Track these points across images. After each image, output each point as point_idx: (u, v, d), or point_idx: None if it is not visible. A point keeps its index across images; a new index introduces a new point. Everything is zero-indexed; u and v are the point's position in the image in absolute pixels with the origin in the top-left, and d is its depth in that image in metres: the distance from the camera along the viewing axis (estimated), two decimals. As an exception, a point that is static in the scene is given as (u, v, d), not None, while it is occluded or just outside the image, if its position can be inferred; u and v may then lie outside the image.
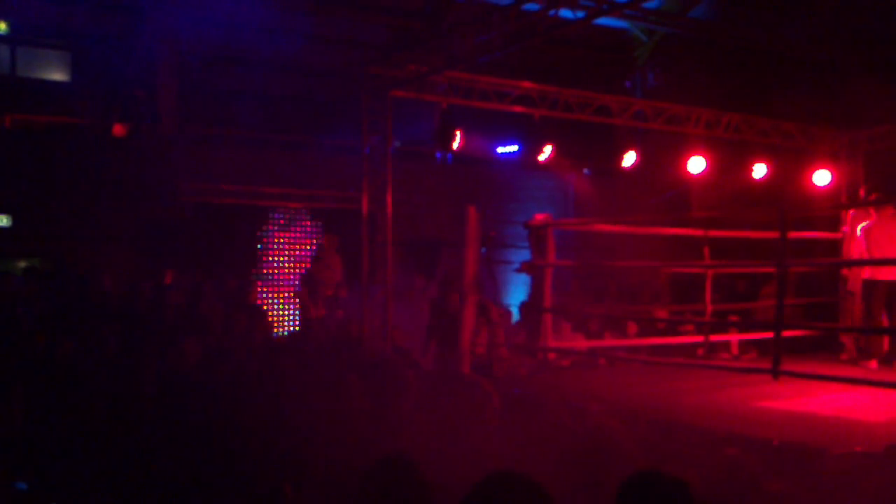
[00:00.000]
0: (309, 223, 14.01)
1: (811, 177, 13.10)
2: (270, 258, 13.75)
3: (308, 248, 13.91)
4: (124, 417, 5.52)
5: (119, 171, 12.30)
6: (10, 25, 13.58)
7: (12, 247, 11.94)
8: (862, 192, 12.38)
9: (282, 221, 13.80)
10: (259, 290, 13.27)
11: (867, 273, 9.97)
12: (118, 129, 12.86)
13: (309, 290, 11.85)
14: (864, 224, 10.27)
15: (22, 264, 11.71)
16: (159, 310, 9.93)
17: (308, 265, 13.02)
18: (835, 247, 11.76)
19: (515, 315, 11.68)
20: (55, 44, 14.50)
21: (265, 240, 13.70)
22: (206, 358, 7.16)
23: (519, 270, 10.36)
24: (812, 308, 11.62)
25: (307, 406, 5.39)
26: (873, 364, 9.83)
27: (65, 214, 12.02)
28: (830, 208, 12.69)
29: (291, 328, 13.52)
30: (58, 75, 14.59)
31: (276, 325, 13.30)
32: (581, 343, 10.81)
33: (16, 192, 11.81)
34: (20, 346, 7.84)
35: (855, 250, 10.67)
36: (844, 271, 11.10)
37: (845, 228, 11.34)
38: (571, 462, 4.13)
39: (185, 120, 13.76)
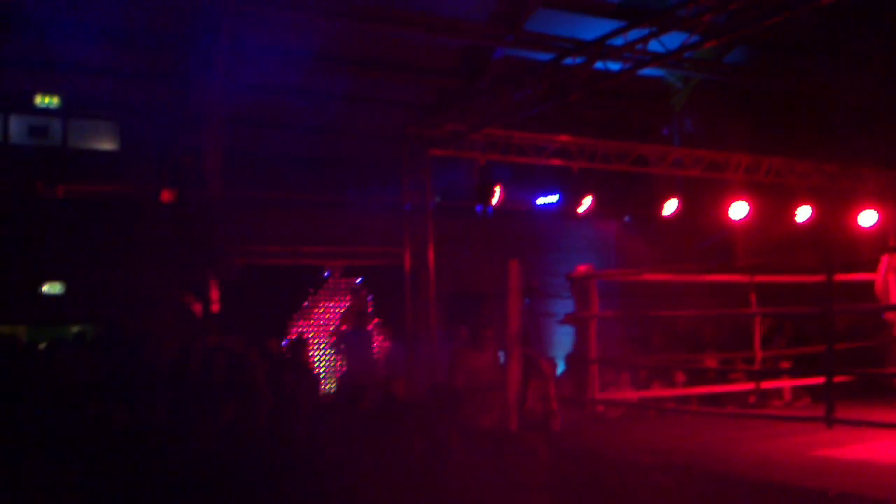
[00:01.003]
0: (352, 281, 14.14)
1: (857, 218, 12.94)
2: (316, 317, 13.86)
3: (353, 305, 14.01)
4: (177, 479, 5.58)
5: (167, 236, 12.56)
6: (62, 99, 14.04)
7: (65, 313, 12.21)
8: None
9: (326, 281, 13.94)
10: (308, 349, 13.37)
11: None
12: (166, 195, 13.15)
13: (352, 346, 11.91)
14: None
15: (76, 330, 11.96)
16: (208, 373, 10.03)
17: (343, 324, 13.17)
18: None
19: (561, 367, 11.60)
20: (104, 115, 14.94)
21: (311, 299, 13.84)
22: (246, 419, 7.22)
23: (562, 322, 10.32)
24: (865, 352, 11.38)
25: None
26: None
27: (115, 280, 12.29)
28: (876, 251, 12.48)
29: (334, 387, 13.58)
30: (107, 145, 15.01)
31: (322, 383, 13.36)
32: (630, 394, 10.69)
33: (68, 259, 12.12)
34: (73, 414, 7.96)
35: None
36: (888, 315, 10.88)
37: (882, 269, 11.04)
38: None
39: (231, 183, 14.04)
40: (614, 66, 8.64)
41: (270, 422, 7.14)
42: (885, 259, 10.85)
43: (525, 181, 14.91)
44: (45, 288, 12.16)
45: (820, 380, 8.91)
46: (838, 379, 8.59)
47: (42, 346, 10.27)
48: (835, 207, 13.20)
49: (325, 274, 13.93)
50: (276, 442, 6.33)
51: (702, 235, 14.68)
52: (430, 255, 10.48)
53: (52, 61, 13.32)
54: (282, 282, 13.48)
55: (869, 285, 11.00)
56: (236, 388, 9.44)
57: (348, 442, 5.75)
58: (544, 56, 9.55)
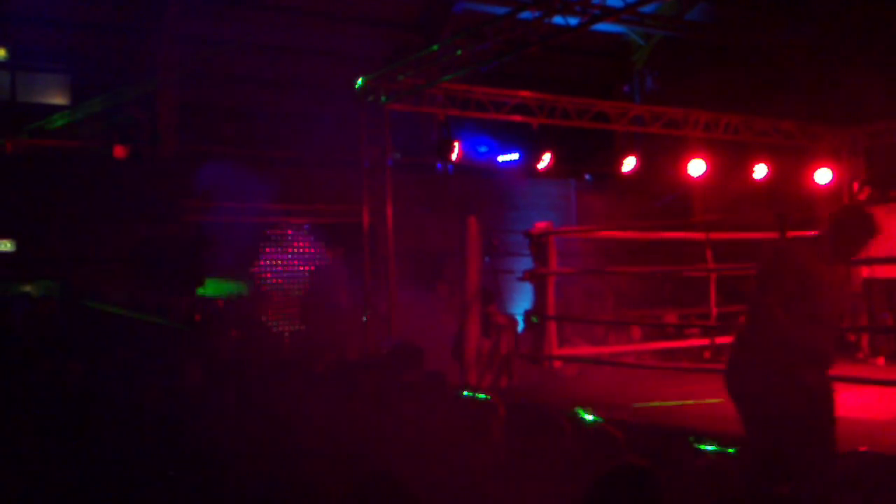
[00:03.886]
0: (310, 239, 14.02)
1: (812, 175, 13.07)
2: (272, 275, 13.74)
3: (309, 264, 13.90)
4: (129, 439, 5.53)
5: (120, 193, 12.33)
6: (10, 51, 13.65)
7: (16, 271, 11.97)
8: (855, 187, 12.30)
9: (283, 238, 13.80)
10: (263, 307, 13.27)
11: (866, 272, 9.94)
12: (119, 151, 12.90)
13: (313, 305, 11.86)
14: None
15: (26, 288, 11.74)
16: (162, 331, 9.95)
17: (311, 280, 13.04)
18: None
19: (520, 324, 11.66)
20: (54, 68, 14.57)
21: (267, 257, 13.70)
22: (209, 379, 7.17)
23: (521, 279, 10.34)
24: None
25: (313, 421, 5.40)
26: (881, 361, 9.82)
27: (67, 237, 12.06)
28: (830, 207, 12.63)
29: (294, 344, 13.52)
30: (58, 99, 14.65)
31: (279, 342, 13.30)
32: (586, 349, 10.78)
33: (18, 216, 11.85)
34: (25, 372, 7.85)
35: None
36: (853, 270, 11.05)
37: None
38: (572, 471, 4.14)
39: (186, 140, 13.80)
40: (574, 21, 8.56)
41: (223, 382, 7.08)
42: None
43: (486, 139, 14.85)
44: (-5, 245, 11.90)
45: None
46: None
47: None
48: (791, 165, 13.32)
49: (290, 233, 13.79)
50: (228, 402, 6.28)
51: (661, 193, 14.76)
52: (389, 211, 10.40)
53: (0, 12, 12.92)
54: (238, 240, 13.33)
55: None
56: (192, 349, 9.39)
57: (298, 400, 5.72)
58: (503, 10, 9.41)
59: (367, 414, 5.39)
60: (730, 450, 5.80)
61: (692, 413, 7.36)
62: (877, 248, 9.54)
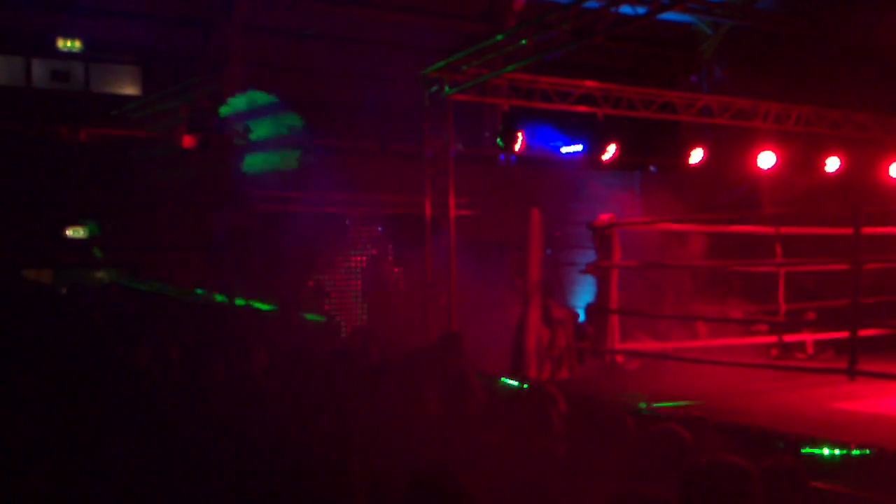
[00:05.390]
0: (373, 229, 14.09)
1: (888, 169, 12.66)
2: (339, 264, 13.84)
3: (368, 254, 13.99)
4: (194, 424, 5.63)
5: (190, 182, 12.57)
6: (84, 43, 14.00)
7: (90, 258, 12.30)
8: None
9: (349, 228, 13.90)
10: (329, 297, 13.40)
11: None
12: (187, 141, 13.13)
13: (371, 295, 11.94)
14: None
15: (99, 275, 12.05)
16: (230, 319, 10.12)
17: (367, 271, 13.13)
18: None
19: (581, 317, 11.56)
20: (126, 59, 14.91)
21: (334, 246, 13.80)
22: (273, 366, 7.25)
23: (583, 272, 10.25)
24: (891, 306, 11.21)
25: (373, 414, 5.42)
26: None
27: (139, 225, 12.34)
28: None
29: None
30: (130, 89, 15.00)
31: (343, 330, 13.41)
32: (650, 345, 10.63)
33: (92, 204, 12.18)
34: (95, 357, 8.06)
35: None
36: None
37: None
38: (635, 466, 4.08)
39: (253, 130, 13.98)
40: (641, 9, 8.41)
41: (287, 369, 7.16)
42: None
43: (550, 130, 14.74)
44: (69, 232, 12.23)
45: (844, 334, 8.80)
46: (863, 332, 8.47)
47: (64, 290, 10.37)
48: (865, 158, 12.91)
49: (347, 222, 13.87)
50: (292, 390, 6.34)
51: (728, 185, 14.45)
52: (451, 203, 10.38)
53: (74, 4, 13.26)
54: (303, 229, 13.47)
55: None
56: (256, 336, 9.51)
57: (354, 390, 5.75)
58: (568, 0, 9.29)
59: (420, 406, 5.38)
60: (804, 450, 5.67)
61: (758, 411, 7.20)
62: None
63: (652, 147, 15.39)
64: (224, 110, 13.16)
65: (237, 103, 13.36)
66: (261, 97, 13.25)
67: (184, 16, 14.25)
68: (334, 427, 4.96)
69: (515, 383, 8.57)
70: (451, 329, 9.56)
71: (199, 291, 11.54)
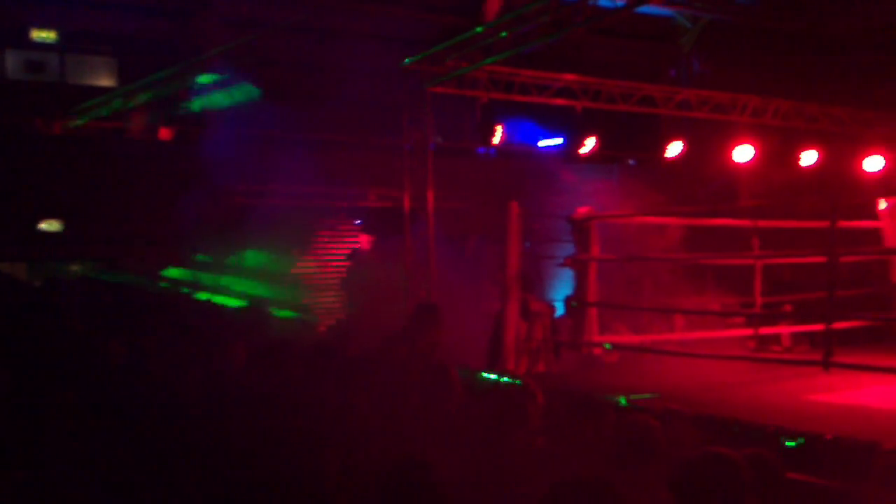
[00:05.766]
0: (353, 222, 14.04)
1: (863, 163, 12.77)
2: (315, 258, 13.79)
3: (351, 247, 13.93)
4: (168, 421, 5.58)
5: (167, 175, 12.46)
6: (59, 34, 13.85)
7: (63, 251, 12.18)
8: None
9: (327, 221, 13.84)
10: (306, 291, 13.33)
11: None
12: (164, 133, 13.03)
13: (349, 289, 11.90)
14: None
15: (74, 268, 11.93)
16: (208, 314, 10.04)
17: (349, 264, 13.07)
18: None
19: (560, 310, 11.58)
20: (102, 50, 14.75)
21: (310, 240, 13.75)
22: (252, 362, 7.19)
23: (562, 265, 10.26)
24: (866, 299, 11.31)
25: (351, 408, 5.40)
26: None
27: (113, 218, 12.22)
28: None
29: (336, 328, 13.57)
30: (106, 81, 14.84)
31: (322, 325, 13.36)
32: (627, 337, 10.66)
33: (66, 197, 12.04)
34: (74, 349, 7.97)
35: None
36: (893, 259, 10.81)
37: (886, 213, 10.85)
38: (613, 459, 4.11)
39: (231, 123, 13.87)
40: (620, 2, 8.43)
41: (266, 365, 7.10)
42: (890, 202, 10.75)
43: (529, 122, 14.73)
44: (43, 225, 12.11)
45: (820, 326, 8.87)
46: (838, 325, 8.54)
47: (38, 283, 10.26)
48: (841, 152, 13.02)
49: (324, 215, 13.79)
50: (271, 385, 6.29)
51: (706, 178, 14.52)
52: (430, 195, 10.37)
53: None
54: (282, 222, 13.39)
55: (873, 232, 10.90)
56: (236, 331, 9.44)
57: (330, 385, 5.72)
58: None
59: (396, 398, 5.37)
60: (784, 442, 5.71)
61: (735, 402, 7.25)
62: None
63: (631, 140, 15.43)
64: (199, 103, 13.05)
65: (215, 97, 13.26)
66: (239, 90, 13.16)
67: (161, 6, 14.12)
68: (311, 423, 4.93)
69: (493, 376, 8.58)
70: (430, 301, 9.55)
71: (164, 285, 11.44)
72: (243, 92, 13.20)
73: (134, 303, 10.07)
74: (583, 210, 10.13)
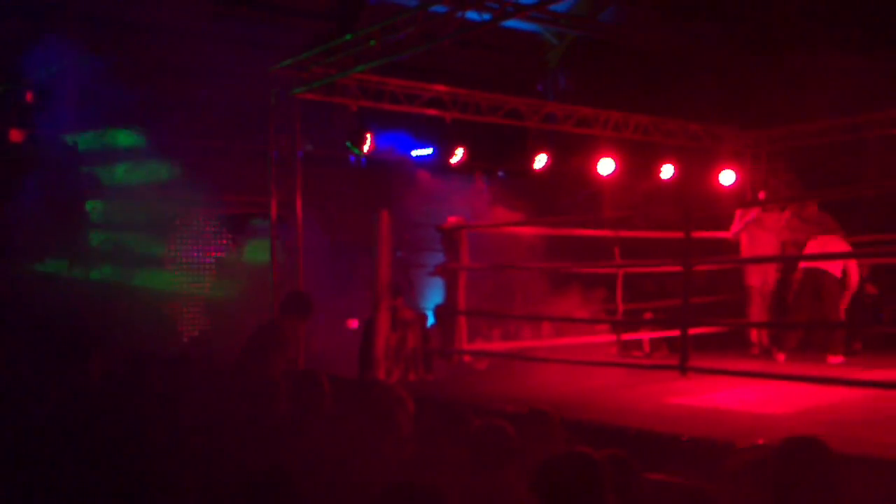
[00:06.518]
0: (217, 229, 13.66)
1: (717, 176, 13.43)
2: (177, 266, 13.33)
3: (215, 254, 13.55)
4: (25, 436, 5.25)
5: (18, 179, 11.79)
6: None
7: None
8: (761, 195, 12.67)
9: (189, 228, 13.41)
10: (168, 298, 12.87)
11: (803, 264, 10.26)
12: (15, 135, 12.33)
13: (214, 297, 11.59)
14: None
15: None
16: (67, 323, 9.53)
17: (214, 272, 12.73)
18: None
19: (431, 319, 11.64)
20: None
21: (171, 247, 13.28)
22: (110, 373, 6.87)
23: (432, 274, 10.30)
24: (720, 305, 11.88)
25: (217, 416, 5.24)
26: (781, 357, 10.13)
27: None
28: (733, 207, 12.99)
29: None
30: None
31: (186, 333, 12.93)
32: (496, 345, 10.81)
33: None
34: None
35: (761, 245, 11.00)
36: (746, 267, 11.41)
37: (735, 223, 11.42)
38: (472, 463, 4.15)
39: (87, 127, 13.27)
40: (486, 16, 8.55)
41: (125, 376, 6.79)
42: (738, 213, 11.34)
43: (400, 132, 14.75)
44: None
45: (677, 332, 9.24)
46: (694, 330, 8.92)
47: None
48: (697, 166, 13.65)
49: (194, 223, 13.36)
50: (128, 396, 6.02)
51: (571, 190, 14.94)
52: (299, 203, 10.22)
53: None
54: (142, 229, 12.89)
55: (729, 242, 11.48)
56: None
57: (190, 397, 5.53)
58: (417, 2, 9.34)
59: (262, 407, 5.24)
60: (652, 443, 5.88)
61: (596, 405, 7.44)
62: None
63: (500, 151, 15.69)
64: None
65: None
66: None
67: (13, 4, 13.36)
68: (169, 437, 4.75)
69: (363, 385, 8.51)
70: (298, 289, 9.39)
71: None
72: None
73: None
74: (452, 219, 10.21)
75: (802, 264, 10.26)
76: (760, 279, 11.22)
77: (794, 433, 3.77)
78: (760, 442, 5.30)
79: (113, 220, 12.03)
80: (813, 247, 10.18)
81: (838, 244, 10.05)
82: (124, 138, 12.96)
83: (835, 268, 10.03)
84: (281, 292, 10.24)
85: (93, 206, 12.23)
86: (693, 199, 12.83)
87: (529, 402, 7.27)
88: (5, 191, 11.58)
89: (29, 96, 12.20)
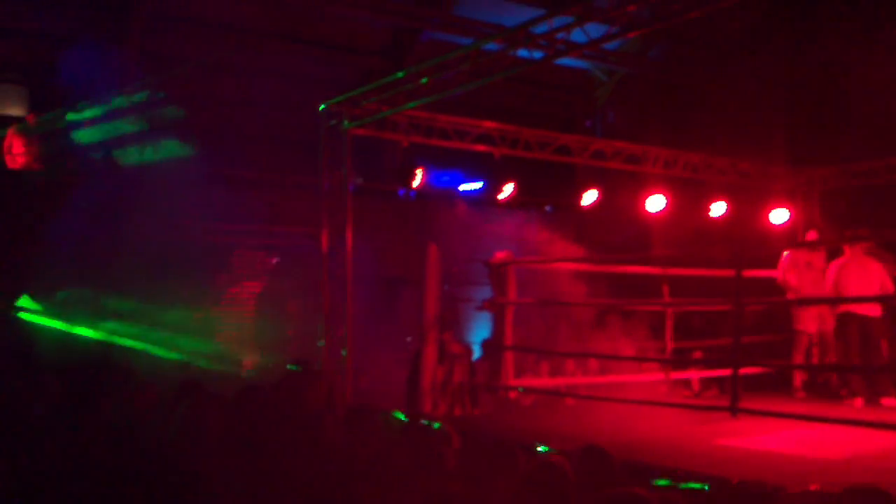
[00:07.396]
0: (272, 260, 13.85)
1: (768, 215, 13.28)
2: (231, 297, 13.51)
3: (268, 286, 13.71)
4: (65, 470, 5.32)
5: (73, 206, 12.09)
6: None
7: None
8: (811, 234, 12.48)
9: (242, 259, 13.61)
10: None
11: (843, 308, 10.05)
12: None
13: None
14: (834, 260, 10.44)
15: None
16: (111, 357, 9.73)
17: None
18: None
19: (477, 353, 11.63)
20: (11, 78, 14.32)
21: (226, 278, 13.49)
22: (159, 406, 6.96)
23: (479, 308, 10.33)
24: (770, 345, 11.70)
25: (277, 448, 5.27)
26: (858, 402, 9.82)
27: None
28: (784, 247, 12.82)
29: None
30: (15, 110, 14.39)
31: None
32: (542, 381, 10.76)
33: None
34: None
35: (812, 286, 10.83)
36: (793, 309, 11.21)
37: (782, 264, 11.25)
38: (522, 499, 4.11)
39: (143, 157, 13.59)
40: (538, 54, 8.62)
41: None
42: (784, 254, 11.20)
43: (449, 167, 14.86)
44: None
45: (727, 371, 9.12)
46: (743, 371, 8.80)
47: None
48: (748, 205, 13.52)
49: (239, 252, 13.54)
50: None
51: (620, 227, 14.87)
52: (349, 235, 10.32)
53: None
54: (195, 260, 13.10)
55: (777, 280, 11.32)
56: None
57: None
58: (469, 41, 9.48)
59: (314, 440, 5.28)
60: (681, 485, 5.82)
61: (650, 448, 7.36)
62: (849, 287, 9.79)
63: (549, 187, 15.71)
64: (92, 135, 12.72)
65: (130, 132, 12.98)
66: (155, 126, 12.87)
67: (74, 35, 13.79)
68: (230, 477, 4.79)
69: (410, 419, 8.52)
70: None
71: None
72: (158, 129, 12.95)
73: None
74: (500, 254, 10.25)
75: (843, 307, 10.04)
76: (816, 324, 10.99)
77: (846, 479, 3.71)
78: (813, 488, 5.21)
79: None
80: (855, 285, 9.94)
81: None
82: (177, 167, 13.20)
83: (874, 309, 9.80)
84: (330, 323, 10.34)
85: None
86: (744, 237, 12.70)
87: (577, 440, 7.25)
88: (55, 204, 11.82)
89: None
